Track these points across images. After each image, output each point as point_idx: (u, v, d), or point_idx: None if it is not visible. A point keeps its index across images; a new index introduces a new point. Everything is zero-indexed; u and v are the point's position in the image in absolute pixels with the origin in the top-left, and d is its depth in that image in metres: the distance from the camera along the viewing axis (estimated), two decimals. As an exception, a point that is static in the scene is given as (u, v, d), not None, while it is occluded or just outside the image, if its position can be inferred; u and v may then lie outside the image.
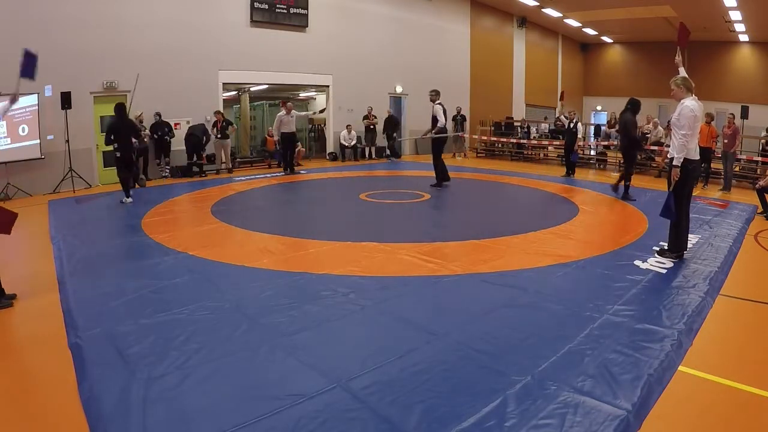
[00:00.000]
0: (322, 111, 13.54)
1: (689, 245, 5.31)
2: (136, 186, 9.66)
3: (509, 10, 19.93)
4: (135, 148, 8.54)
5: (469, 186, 10.32)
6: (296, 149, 12.06)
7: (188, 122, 11.46)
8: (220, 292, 4.03)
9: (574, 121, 11.50)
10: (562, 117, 12.20)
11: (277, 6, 12.66)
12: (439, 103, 9.15)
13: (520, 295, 3.95)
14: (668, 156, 4.85)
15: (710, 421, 2.44)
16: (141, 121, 10.32)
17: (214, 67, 11.85)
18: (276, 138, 11.64)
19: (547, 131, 16.83)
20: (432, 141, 9.36)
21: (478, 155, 16.79)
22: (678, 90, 4.72)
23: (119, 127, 7.61)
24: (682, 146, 4.57)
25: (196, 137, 11.13)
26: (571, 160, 11.64)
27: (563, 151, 12.40)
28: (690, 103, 4.60)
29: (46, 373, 2.92)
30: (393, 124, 14.89)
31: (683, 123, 4.56)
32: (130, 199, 7.97)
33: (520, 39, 21.26)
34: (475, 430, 2.28)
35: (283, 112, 11.39)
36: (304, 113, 13.43)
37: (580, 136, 11.82)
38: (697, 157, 4.83)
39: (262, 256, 5.03)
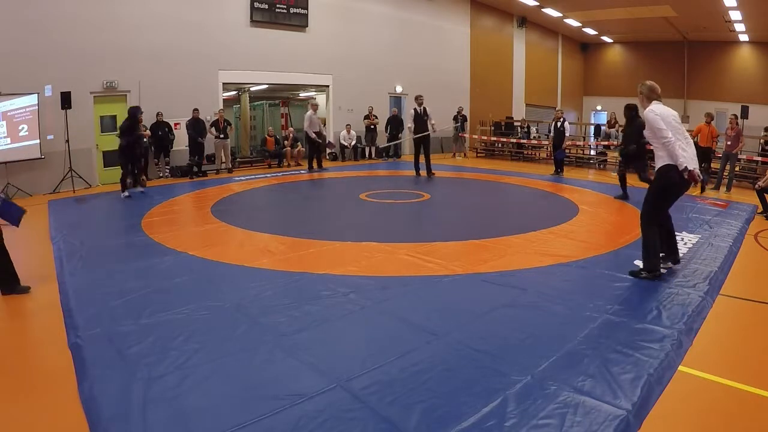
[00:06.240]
0: None
1: (689, 246, 5.32)
2: (137, 186, 9.67)
3: (509, 10, 19.91)
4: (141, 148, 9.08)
5: (469, 186, 10.32)
6: (296, 149, 12.05)
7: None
8: (220, 292, 4.03)
9: (561, 120, 11.56)
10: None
11: (277, 6, 12.65)
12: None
13: (520, 295, 3.95)
14: (656, 169, 4.26)
15: (710, 421, 2.44)
16: (140, 121, 10.30)
17: (214, 67, 11.86)
18: (312, 136, 11.82)
19: (546, 133, 16.83)
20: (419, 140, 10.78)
21: (478, 155, 16.78)
22: (641, 97, 4.28)
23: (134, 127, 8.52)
24: (671, 152, 3.98)
25: (201, 125, 11.16)
26: (557, 158, 11.74)
27: (552, 149, 12.58)
28: (653, 107, 4.14)
29: (46, 373, 2.92)
30: (397, 123, 14.89)
31: (655, 131, 4.03)
32: (126, 193, 8.57)
33: (520, 39, 21.23)
34: (475, 430, 2.28)
35: (310, 111, 11.83)
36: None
37: (568, 135, 11.93)
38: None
39: (262, 256, 5.03)
